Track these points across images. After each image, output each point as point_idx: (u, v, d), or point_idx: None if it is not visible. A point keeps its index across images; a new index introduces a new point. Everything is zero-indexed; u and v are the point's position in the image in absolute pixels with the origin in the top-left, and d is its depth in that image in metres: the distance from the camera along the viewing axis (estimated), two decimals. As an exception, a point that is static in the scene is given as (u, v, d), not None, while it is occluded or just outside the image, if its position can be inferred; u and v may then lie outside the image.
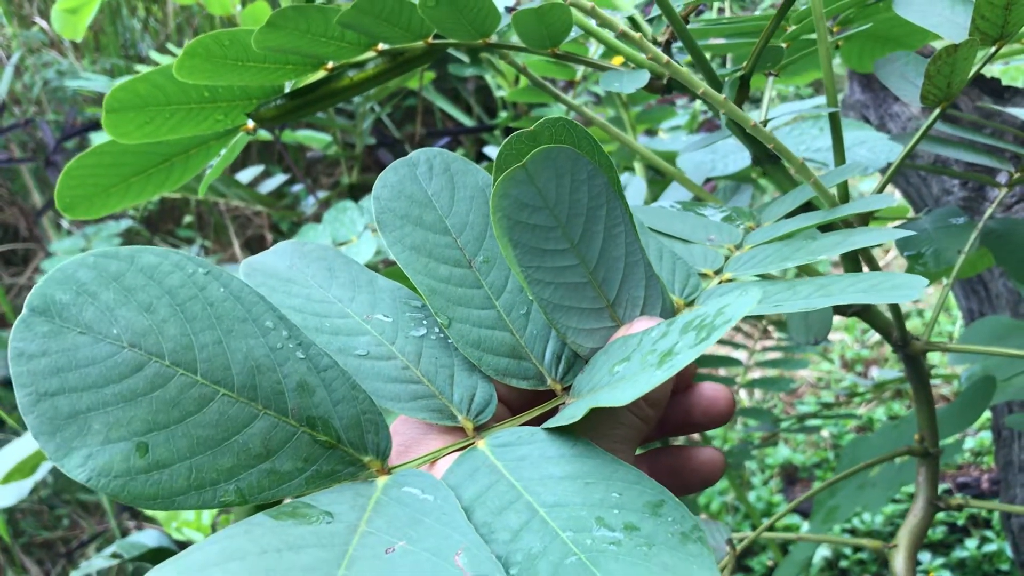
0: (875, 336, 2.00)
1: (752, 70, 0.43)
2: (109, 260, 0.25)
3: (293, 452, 0.26)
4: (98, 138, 1.32)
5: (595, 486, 0.26)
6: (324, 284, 0.32)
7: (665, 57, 0.41)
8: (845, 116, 0.87)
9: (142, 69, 1.30)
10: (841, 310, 0.43)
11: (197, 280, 0.26)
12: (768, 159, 0.44)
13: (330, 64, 0.45)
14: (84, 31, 0.93)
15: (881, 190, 0.44)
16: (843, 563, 1.41)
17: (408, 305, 0.33)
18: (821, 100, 0.77)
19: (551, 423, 0.29)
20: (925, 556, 1.39)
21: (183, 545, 0.64)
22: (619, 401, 0.26)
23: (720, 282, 0.38)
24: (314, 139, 1.16)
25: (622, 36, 0.41)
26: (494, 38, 0.43)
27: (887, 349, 1.96)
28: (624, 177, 0.62)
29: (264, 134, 1.14)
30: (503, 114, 1.27)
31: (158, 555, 0.59)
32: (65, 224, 1.88)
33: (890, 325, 0.44)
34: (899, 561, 0.45)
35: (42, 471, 0.80)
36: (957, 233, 0.54)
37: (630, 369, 0.28)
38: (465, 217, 0.34)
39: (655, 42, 0.43)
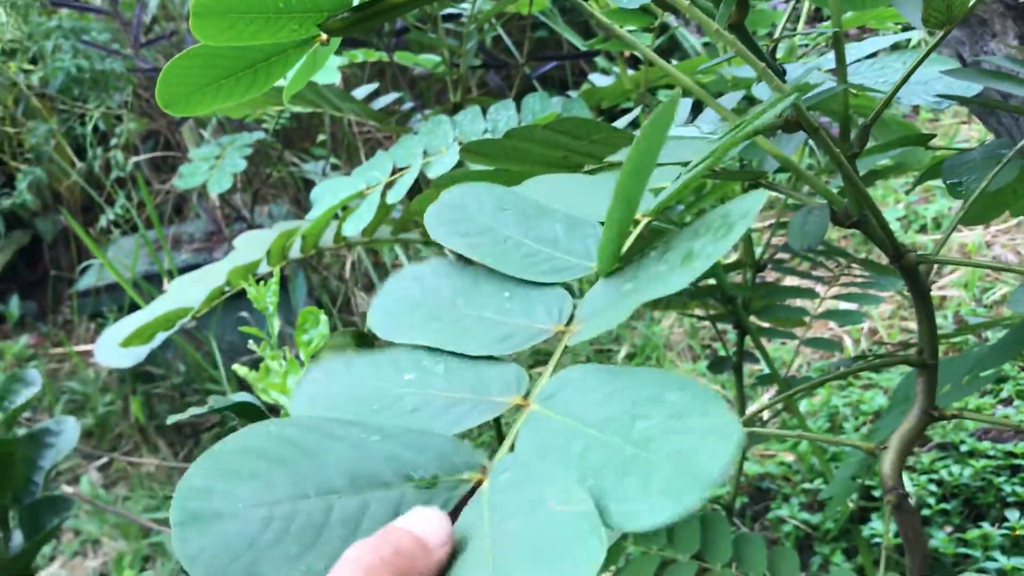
0: (995, 295, 1.94)
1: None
2: (211, 458, 0.30)
3: (412, 501, 0.31)
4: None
5: (625, 396, 0.31)
6: (354, 381, 0.37)
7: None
8: (939, 52, 0.86)
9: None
10: (838, 220, 0.46)
11: (273, 433, 0.31)
12: (773, 75, 0.47)
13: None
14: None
15: (882, 110, 0.46)
16: (925, 512, 1.40)
17: (423, 356, 0.38)
18: (903, 36, 0.77)
19: (574, 339, 0.35)
20: (1014, 514, 1.37)
21: (269, 406, 0.72)
22: (669, 288, 0.31)
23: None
24: (424, 60, 1.21)
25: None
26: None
27: (1005, 310, 1.90)
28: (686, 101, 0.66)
29: (379, 54, 1.21)
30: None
31: (243, 408, 0.67)
32: (205, 134, 2.01)
33: (883, 239, 0.46)
34: (887, 462, 0.48)
35: (158, 339, 0.89)
36: (1001, 162, 0.55)
37: (647, 277, 0.33)
38: (435, 292, 0.41)
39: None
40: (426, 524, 0.30)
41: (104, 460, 1.95)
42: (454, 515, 0.31)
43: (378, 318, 0.40)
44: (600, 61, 2.04)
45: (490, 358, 0.37)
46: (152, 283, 1.91)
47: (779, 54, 1.03)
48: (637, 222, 0.40)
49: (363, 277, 2.41)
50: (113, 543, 1.74)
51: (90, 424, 2.00)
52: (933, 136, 0.59)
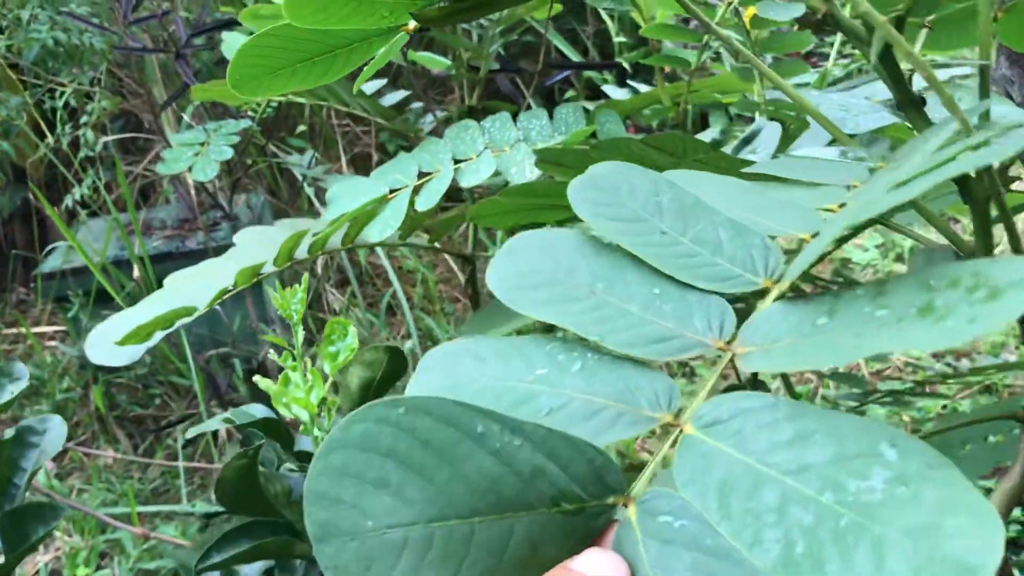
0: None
1: (908, 11, 0.43)
2: (333, 453, 0.26)
3: (553, 531, 0.27)
4: (230, 37, 1.36)
5: (824, 442, 0.26)
6: (479, 370, 0.33)
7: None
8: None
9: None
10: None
11: (403, 423, 0.26)
12: (912, 104, 0.44)
13: (492, -29, 0.46)
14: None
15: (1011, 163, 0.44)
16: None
17: (555, 349, 0.33)
18: (965, 70, 0.75)
19: (749, 364, 0.30)
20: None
21: (287, 419, 0.67)
22: (905, 343, 0.27)
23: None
24: (435, 61, 1.17)
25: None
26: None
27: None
28: (759, 120, 0.62)
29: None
30: (624, 55, 1.26)
31: (268, 425, 0.63)
32: (186, 118, 1.95)
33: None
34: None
35: (156, 338, 0.84)
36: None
37: (856, 320, 0.29)
38: (568, 267, 0.36)
39: (815, -21, 0.43)
40: (606, 573, 0.27)
41: (59, 449, 1.87)
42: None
43: (499, 281, 0.36)
44: (587, 74, 2.02)
45: (635, 361, 0.32)
46: (122, 269, 1.84)
47: (810, 80, 1.01)
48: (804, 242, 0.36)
49: (336, 274, 2.35)
50: (67, 538, 1.66)
51: (46, 411, 1.91)
52: (1017, 179, 0.57)
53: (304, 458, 0.64)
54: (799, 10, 0.42)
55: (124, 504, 1.72)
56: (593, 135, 0.84)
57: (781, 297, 0.35)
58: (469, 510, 0.26)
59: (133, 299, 1.83)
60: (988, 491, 1.48)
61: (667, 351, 0.33)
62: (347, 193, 0.85)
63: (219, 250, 1.86)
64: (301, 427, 0.66)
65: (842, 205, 0.38)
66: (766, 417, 0.28)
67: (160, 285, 1.90)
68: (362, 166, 2.72)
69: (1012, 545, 1.41)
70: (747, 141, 0.56)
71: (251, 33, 1.50)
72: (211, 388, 1.76)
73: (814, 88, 0.99)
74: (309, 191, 2.18)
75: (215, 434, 1.78)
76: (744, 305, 0.38)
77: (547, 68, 1.13)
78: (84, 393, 1.95)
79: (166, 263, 1.86)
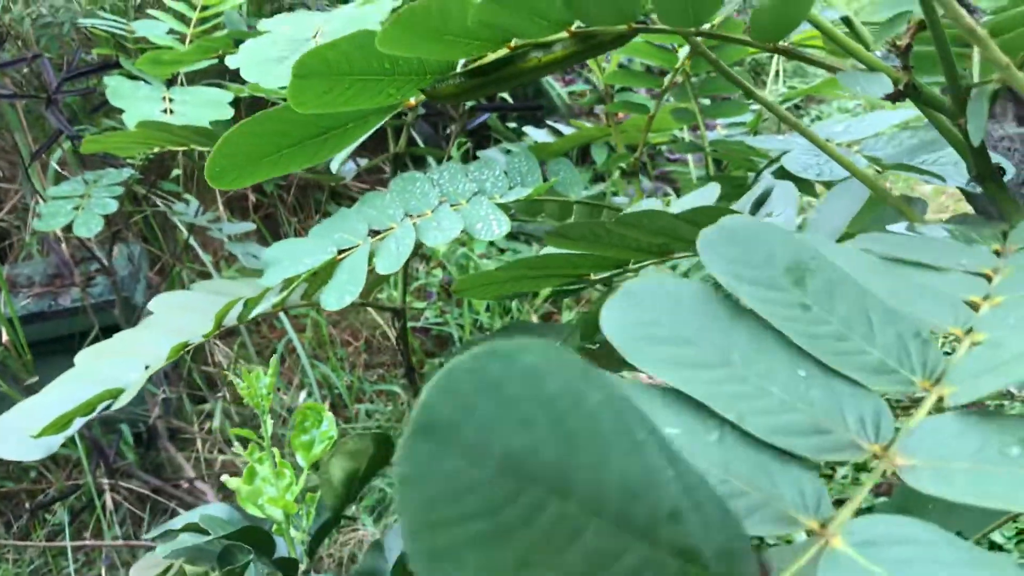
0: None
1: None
2: (492, 361, 0.22)
3: None
4: (114, 81, 1.26)
5: None
6: None
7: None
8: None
9: (155, 12, 1.24)
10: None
11: (573, 386, 0.23)
12: (992, 178, 0.42)
13: (513, 42, 0.42)
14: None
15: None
16: None
17: (690, 414, 0.30)
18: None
19: (917, 481, 0.27)
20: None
21: (255, 519, 0.60)
22: None
23: (991, 307, 0.35)
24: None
25: (852, 35, 0.39)
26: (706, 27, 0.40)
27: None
28: (766, 178, 0.59)
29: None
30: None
31: (249, 534, 0.55)
32: (53, 165, 1.81)
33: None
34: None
35: (75, 427, 0.76)
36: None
37: None
38: (698, 326, 0.32)
39: (894, 45, 0.41)
40: None
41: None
42: None
43: (617, 328, 0.31)
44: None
45: (777, 450, 0.28)
46: (-13, 333, 1.67)
47: (745, 119, 1.01)
48: (959, 338, 0.33)
49: (219, 323, 2.23)
50: (-63, 638, 1.49)
51: (-100, 495, 1.72)
52: None
53: (284, 566, 0.57)
54: (887, 85, 0.39)
55: (2, 592, 1.56)
56: (551, 188, 0.80)
57: (940, 404, 0.31)
58: (592, 507, 0.23)
59: (3, 366, 1.67)
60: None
61: (818, 447, 0.29)
62: (287, 256, 0.78)
63: (98, 308, 1.72)
64: (274, 527, 0.59)
65: (986, 297, 0.35)
66: (945, 554, 0.24)
67: (32, 348, 1.75)
68: (238, 207, 2.60)
69: None
70: (759, 204, 0.53)
71: (133, 76, 1.38)
72: (97, 456, 1.62)
73: (749, 127, 0.98)
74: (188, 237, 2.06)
75: (103, 505, 1.64)
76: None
77: (471, 111, 1.09)
78: (-55, 471, 1.76)
79: (38, 324, 1.71)
